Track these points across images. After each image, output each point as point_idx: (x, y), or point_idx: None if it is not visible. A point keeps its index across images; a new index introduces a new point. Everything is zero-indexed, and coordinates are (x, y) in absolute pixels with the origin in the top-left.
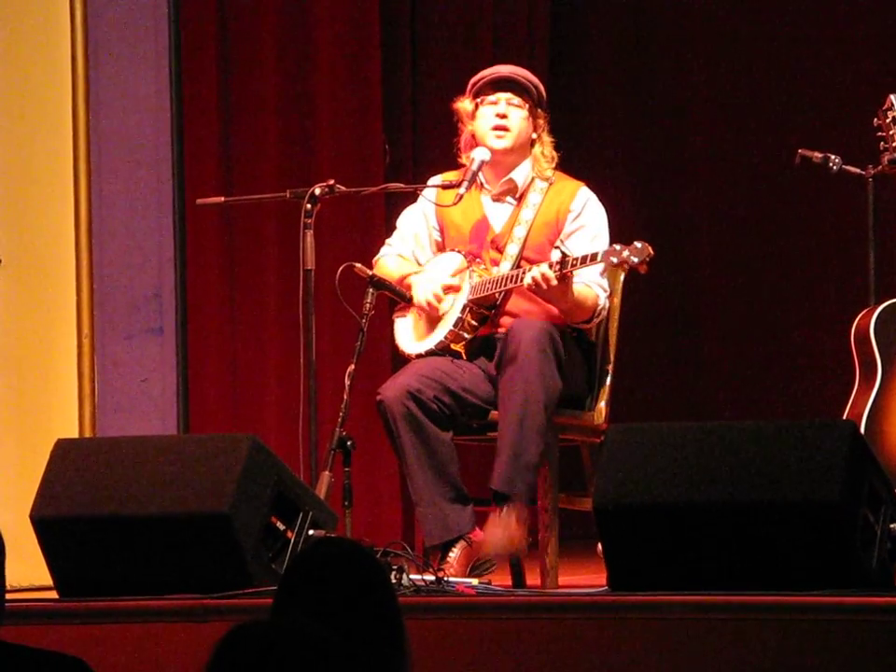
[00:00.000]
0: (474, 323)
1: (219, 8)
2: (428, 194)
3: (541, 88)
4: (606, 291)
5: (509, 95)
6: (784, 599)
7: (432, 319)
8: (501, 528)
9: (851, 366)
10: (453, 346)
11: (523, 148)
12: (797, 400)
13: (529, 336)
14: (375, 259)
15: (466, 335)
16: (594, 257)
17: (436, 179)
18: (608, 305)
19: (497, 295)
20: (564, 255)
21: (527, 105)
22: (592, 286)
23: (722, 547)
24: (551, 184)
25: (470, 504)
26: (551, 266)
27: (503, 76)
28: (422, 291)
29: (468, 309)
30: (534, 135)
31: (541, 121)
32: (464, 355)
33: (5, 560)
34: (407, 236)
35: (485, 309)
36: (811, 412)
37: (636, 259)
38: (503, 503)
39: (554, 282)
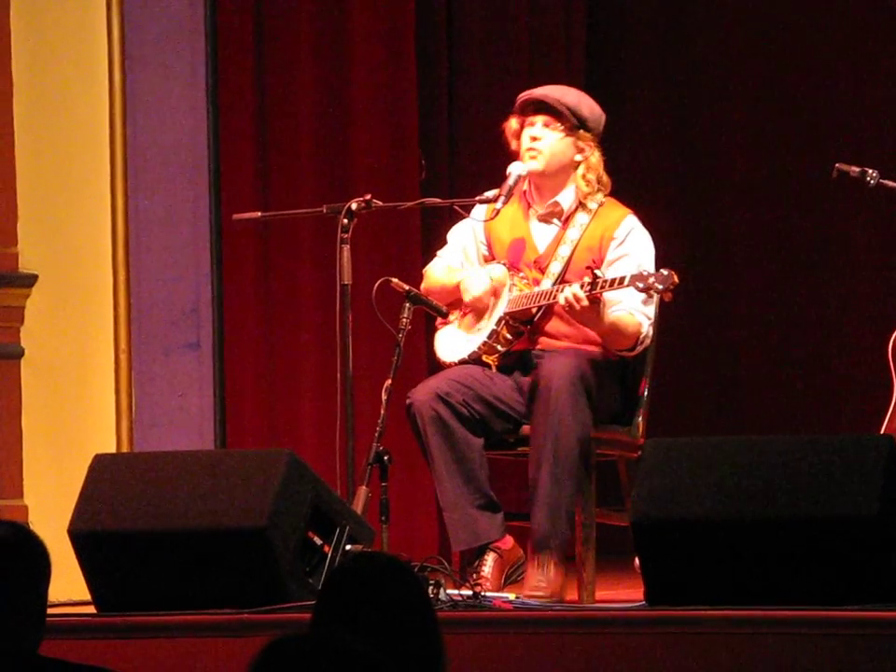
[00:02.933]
0: (509, 336)
1: (256, 24)
2: (473, 213)
3: (583, 109)
4: (649, 319)
5: (544, 118)
6: (822, 614)
7: (471, 330)
8: (541, 577)
9: (889, 381)
10: (485, 358)
11: (563, 171)
12: (834, 416)
13: (558, 376)
14: (425, 269)
15: (499, 347)
16: (621, 280)
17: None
18: (651, 333)
19: (533, 310)
20: (595, 276)
21: (563, 127)
22: (635, 313)
23: (759, 561)
24: (601, 205)
25: (500, 512)
26: (582, 287)
27: (535, 97)
28: (475, 287)
29: (503, 322)
30: (577, 157)
31: (584, 143)
32: (493, 367)
33: (50, 578)
34: (456, 249)
35: (521, 324)
36: (848, 427)
37: (660, 286)
38: (541, 551)
39: (585, 302)
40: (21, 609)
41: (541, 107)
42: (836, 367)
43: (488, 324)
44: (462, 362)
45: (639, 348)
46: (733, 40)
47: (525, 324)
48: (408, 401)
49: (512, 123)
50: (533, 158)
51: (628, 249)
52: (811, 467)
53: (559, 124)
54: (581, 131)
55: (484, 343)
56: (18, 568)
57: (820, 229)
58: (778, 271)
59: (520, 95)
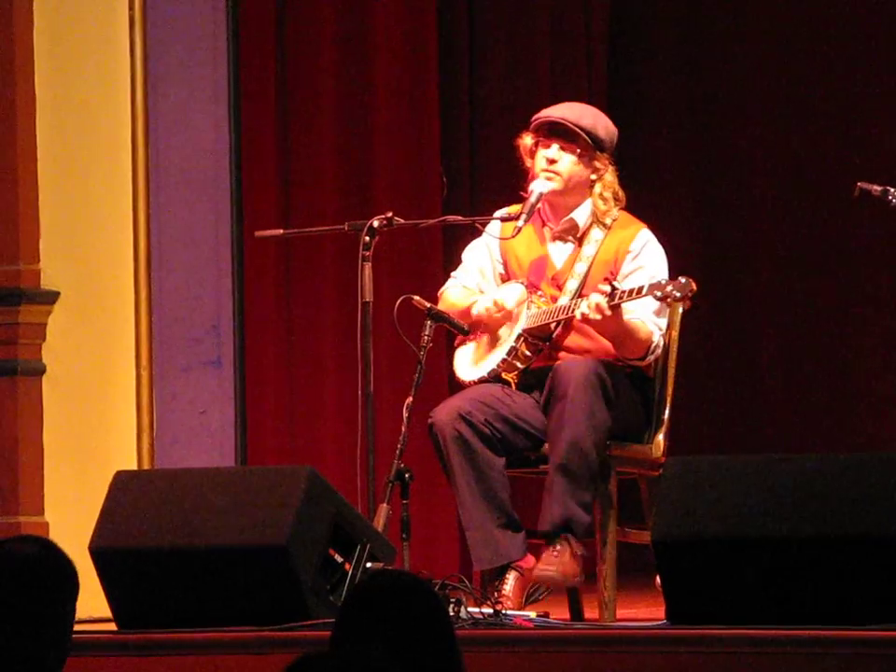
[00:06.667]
0: (528, 353)
1: (278, 41)
2: (490, 229)
3: (599, 131)
4: (661, 329)
5: (561, 142)
6: (846, 633)
7: (490, 348)
8: (554, 563)
9: None
10: (504, 376)
11: (579, 190)
12: (857, 433)
13: (575, 374)
14: (440, 291)
15: (519, 364)
16: (639, 290)
17: (501, 212)
18: (662, 343)
19: (551, 326)
20: (613, 287)
21: (580, 150)
22: (647, 323)
23: (782, 580)
24: (615, 220)
25: (522, 531)
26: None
27: (553, 120)
28: (478, 305)
29: (522, 339)
30: (593, 176)
31: (599, 163)
32: (513, 384)
33: (76, 597)
34: (472, 269)
35: (540, 340)
36: (871, 444)
37: (678, 294)
38: (554, 542)
39: (608, 312)
40: (45, 627)
41: (558, 130)
42: (859, 385)
43: (507, 341)
44: (481, 380)
45: (650, 357)
46: (754, 54)
47: (543, 340)
48: (430, 421)
49: (526, 141)
50: (550, 179)
51: (643, 262)
52: (835, 485)
53: (576, 147)
54: (597, 152)
55: (503, 361)
56: (43, 587)
57: (842, 245)
58: (799, 288)
59: (536, 116)
